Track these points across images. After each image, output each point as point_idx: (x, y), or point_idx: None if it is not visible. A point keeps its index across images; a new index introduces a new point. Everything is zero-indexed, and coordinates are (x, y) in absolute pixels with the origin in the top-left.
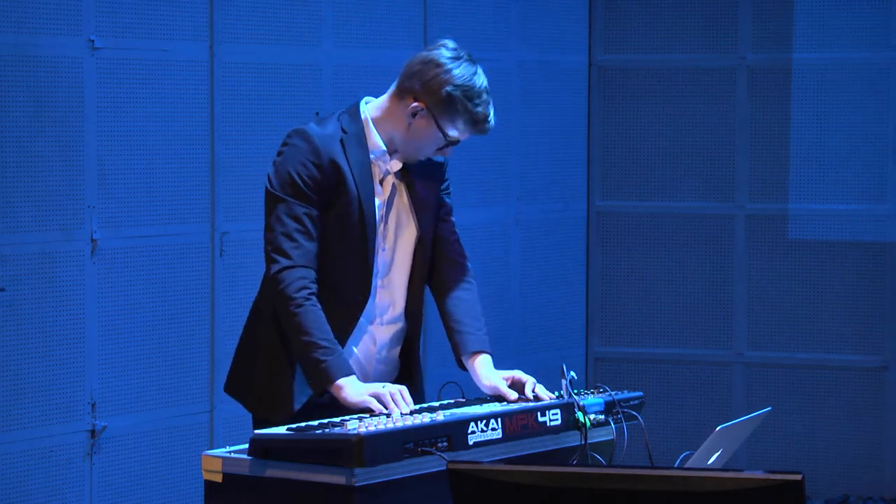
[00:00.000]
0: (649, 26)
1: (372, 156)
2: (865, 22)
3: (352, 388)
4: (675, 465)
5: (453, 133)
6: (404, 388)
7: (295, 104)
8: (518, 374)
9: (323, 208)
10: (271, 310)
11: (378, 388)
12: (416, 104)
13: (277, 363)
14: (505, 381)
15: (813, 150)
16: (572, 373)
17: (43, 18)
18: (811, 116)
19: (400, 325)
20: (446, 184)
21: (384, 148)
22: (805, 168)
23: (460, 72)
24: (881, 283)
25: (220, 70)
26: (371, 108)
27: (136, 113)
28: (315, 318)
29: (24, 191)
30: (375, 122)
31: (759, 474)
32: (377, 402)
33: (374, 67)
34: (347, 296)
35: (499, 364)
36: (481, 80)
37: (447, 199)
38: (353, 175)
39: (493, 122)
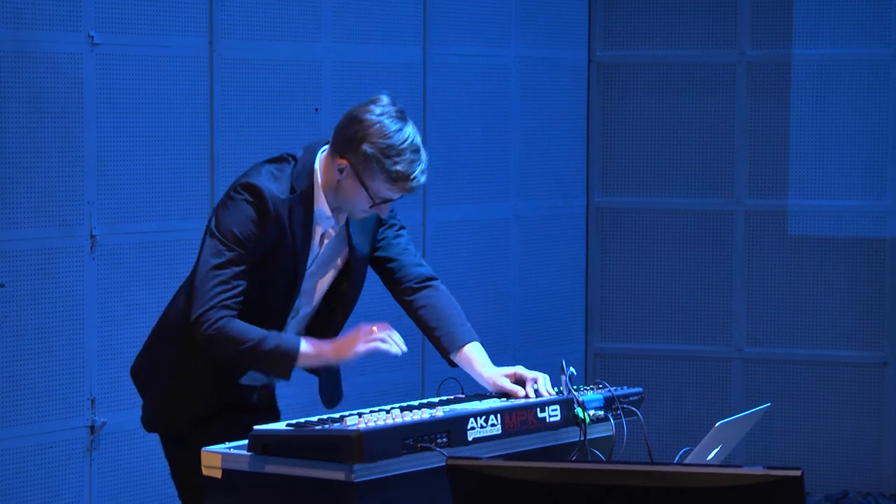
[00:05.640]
0: (649, 22)
1: (316, 217)
2: (865, 18)
3: (329, 346)
4: (675, 461)
5: (377, 190)
6: (387, 324)
7: (294, 100)
8: (520, 370)
9: (255, 261)
10: (176, 331)
11: (363, 334)
12: (340, 162)
13: (177, 385)
14: (508, 378)
15: (812, 146)
16: (572, 369)
17: (42, 14)
18: (811, 112)
19: None
20: (388, 224)
21: (329, 214)
22: (805, 164)
23: (380, 129)
24: (881, 279)
25: (220, 66)
26: (319, 163)
27: (135, 109)
28: (242, 325)
29: (24, 187)
30: (322, 181)
31: (758, 470)
32: (383, 344)
33: (373, 63)
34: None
35: (498, 360)
36: (406, 136)
37: (393, 221)
38: (293, 239)
39: (419, 179)
